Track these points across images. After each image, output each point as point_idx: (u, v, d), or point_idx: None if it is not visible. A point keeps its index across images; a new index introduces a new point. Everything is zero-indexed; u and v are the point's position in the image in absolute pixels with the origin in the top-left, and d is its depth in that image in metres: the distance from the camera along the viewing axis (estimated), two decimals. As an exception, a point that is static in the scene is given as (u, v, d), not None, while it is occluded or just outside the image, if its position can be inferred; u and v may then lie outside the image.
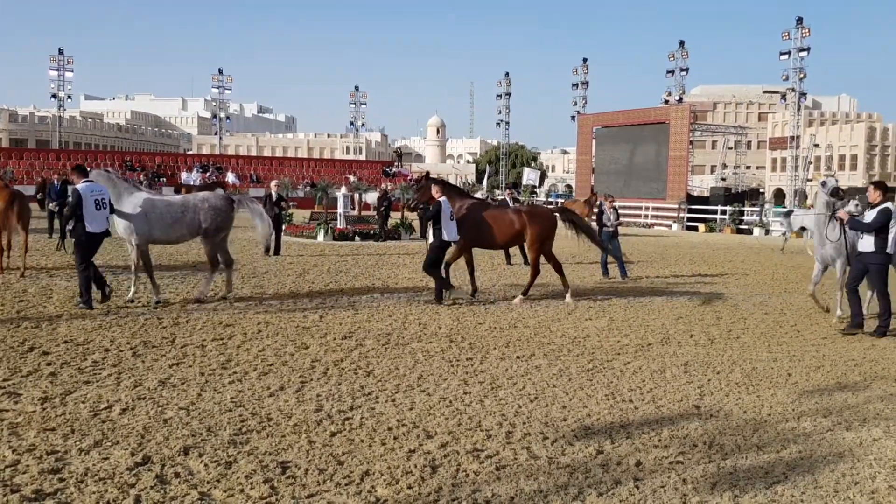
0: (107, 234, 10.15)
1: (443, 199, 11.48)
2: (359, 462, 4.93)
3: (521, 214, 12.14)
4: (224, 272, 11.23)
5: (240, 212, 11.27)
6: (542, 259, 12.23)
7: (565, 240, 27.03)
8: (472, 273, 12.30)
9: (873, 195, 10.00)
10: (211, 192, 11.98)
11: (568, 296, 12.05)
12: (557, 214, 12.68)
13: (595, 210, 18.68)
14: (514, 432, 5.64)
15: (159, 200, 10.70)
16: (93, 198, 9.87)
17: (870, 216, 9.81)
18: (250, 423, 5.58)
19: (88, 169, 10.66)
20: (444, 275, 11.65)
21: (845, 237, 10.55)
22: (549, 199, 51.42)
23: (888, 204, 9.84)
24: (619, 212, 17.15)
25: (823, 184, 10.98)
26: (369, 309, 10.73)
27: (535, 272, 12.19)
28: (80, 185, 9.97)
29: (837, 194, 10.63)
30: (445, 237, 11.32)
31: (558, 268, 12.31)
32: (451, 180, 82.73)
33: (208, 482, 4.51)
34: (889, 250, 9.89)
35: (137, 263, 10.79)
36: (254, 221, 11.35)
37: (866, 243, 9.84)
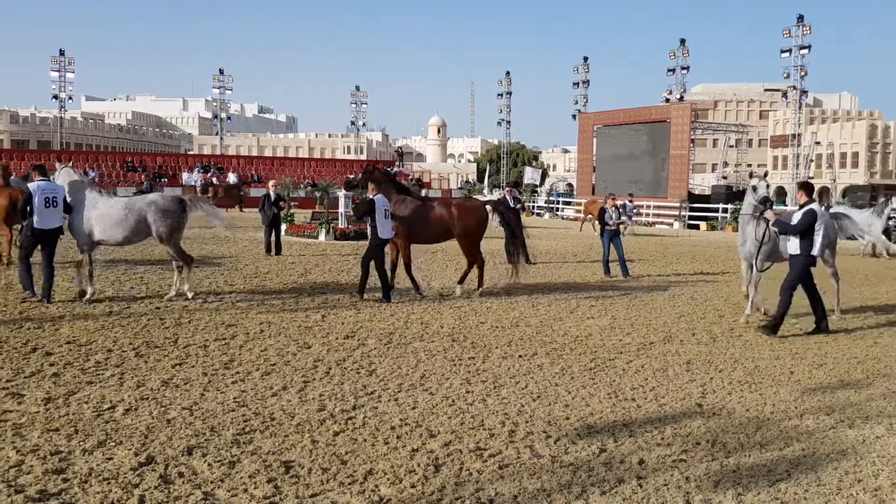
0: (61, 231, 10.45)
1: (378, 196, 11.41)
2: (362, 461, 4.93)
3: (451, 208, 12.24)
4: (180, 271, 11.21)
5: (197, 213, 11.30)
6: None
7: (565, 239, 26.96)
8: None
9: (798, 196, 9.77)
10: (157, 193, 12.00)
11: (457, 290, 12.19)
12: (489, 207, 12.67)
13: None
14: (517, 431, 5.65)
15: (103, 201, 10.72)
16: (43, 196, 10.12)
17: (796, 218, 9.60)
18: (253, 423, 5.59)
19: (57, 167, 11.18)
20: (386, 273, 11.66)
21: (767, 236, 10.34)
22: (551, 198, 51.32)
23: (813, 205, 9.60)
24: (634, 210, 16.97)
25: (755, 188, 10.65)
26: (371, 308, 10.73)
27: (480, 263, 12.28)
28: (34, 183, 10.27)
29: (766, 202, 10.30)
30: (381, 235, 11.30)
31: (481, 265, 12.39)
32: (453, 180, 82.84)
33: (212, 482, 4.52)
34: (815, 252, 9.64)
35: (82, 261, 10.88)
36: (212, 221, 11.44)
37: (793, 245, 9.62)
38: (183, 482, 4.50)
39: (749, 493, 4.63)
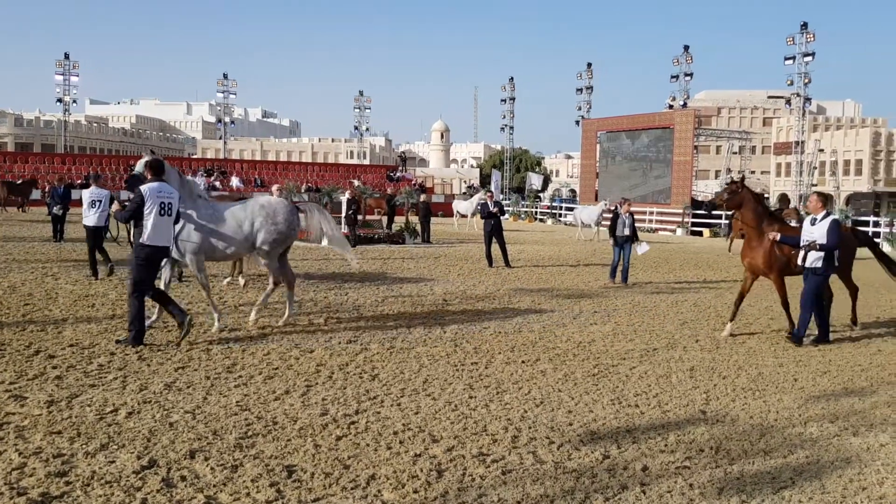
0: None
1: (92, 189, 12.87)
2: (364, 466, 4.92)
3: None
4: None
5: None
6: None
7: (568, 245, 26.98)
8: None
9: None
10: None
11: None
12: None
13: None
14: (520, 437, 5.64)
15: None
16: None
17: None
18: (256, 427, 5.59)
19: None
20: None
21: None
22: (553, 204, 51.31)
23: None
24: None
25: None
26: (374, 313, 10.73)
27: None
28: None
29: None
30: (84, 222, 12.84)
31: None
32: (455, 184, 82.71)
33: (214, 485, 4.51)
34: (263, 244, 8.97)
35: None
36: None
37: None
38: (185, 486, 4.49)
39: (753, 501, 4.61)
